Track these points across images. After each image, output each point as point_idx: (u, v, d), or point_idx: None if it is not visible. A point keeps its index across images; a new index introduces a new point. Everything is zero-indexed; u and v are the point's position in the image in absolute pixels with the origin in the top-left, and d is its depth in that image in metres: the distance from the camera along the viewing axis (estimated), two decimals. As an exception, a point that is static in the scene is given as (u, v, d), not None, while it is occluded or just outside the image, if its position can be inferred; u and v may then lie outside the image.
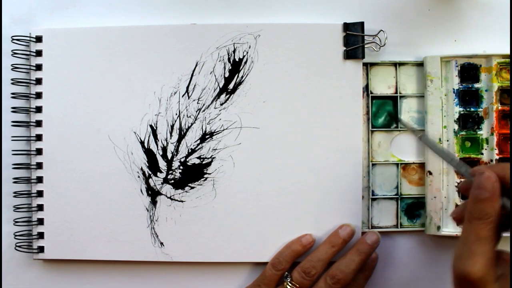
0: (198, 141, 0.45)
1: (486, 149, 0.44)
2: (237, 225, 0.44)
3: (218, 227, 0.44)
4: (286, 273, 0.42)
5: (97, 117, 0.45)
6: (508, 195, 0.31)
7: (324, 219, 0.44)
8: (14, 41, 0.45)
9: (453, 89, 0.44)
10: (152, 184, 0.45)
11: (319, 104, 0.44)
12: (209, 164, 0.44)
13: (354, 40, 0.44)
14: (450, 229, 0.44)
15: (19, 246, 0.45)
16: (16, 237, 0.45)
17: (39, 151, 0.45)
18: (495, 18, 0.45)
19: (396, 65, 0.45)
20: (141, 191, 0.45)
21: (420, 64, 0.45)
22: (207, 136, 0.45)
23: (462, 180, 0.43)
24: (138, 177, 0.45)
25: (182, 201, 0.44)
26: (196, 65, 0.44)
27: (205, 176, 0.44)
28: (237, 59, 0.44)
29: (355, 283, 0.42)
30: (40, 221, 0.45)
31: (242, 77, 0.44)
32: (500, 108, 0.44)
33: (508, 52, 0.44)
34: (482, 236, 0.30)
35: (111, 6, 0.46)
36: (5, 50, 0.46)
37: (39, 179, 0.45)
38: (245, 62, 0.44)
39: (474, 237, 0.31)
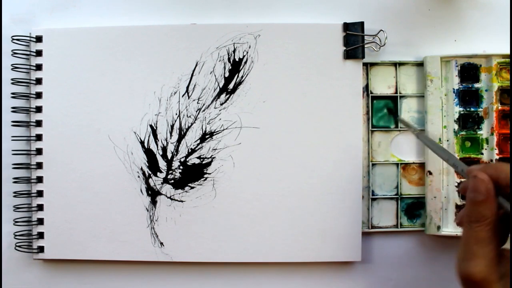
0: (198, 141, 0.45)
1: (486, 149, 0.44)
2: (237, 225, 0.44)
3: (218, 227, 0.44)
4: None
5: (97, 117, 0.45)
6: (503, 194, 0.31)
7: (324, 219, 0.44)
8: (14, 41, 0.45)
9: (453, 89, 0.44)
10: (152, 184, 0.45)
11: (319, 104, 0.44)
12: (209, 164, 0.44)
13: (354, 40, 0.44)
14: (450, 229, 0.44)
15: (19, 246, 0.45)
16: (16, 237, 0.45)
17: (39, 151, 0.45)
18: (495, 18, 0.45)
19: (396, 65, 0.45)
20: (141, 191, 0.45)
21: (420, 64, 0.45)
22: (207, 136, 0.45)
23: (463, 180, 0.43)
24: (138, 177, 0.45)
25: (182, 201, 0.44)
26: (196, 65, 0.44)
27: (205, 176, 0.44)
28: (237, 59, 0.44)
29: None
30: (40, 221, 0.45)
31: (242, 77, 0.44)
32: (500, 108, 0.44)
33: (508, 52, 0.44)
34: (481, 237, 0.31)
35: (111, 6, 0.46)
36: (5, 50, 0.46)
37: (39, 179, 0.45)
38: (245, 62, 0.44)
39: (474, 240, 0.31)
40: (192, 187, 0.44)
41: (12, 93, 0.45)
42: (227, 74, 0.44)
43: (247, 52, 0.44)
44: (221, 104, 0.44)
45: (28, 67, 0.45)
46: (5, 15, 0.46)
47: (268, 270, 0.45)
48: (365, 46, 0.44)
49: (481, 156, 0.44)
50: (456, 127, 0.44)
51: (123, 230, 0.44)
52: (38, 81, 0.45)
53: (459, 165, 0.35)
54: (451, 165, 0.37)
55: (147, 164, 0.45)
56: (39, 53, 0.45)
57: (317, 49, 0.44)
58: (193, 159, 0.45)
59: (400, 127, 0.45)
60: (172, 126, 0.45)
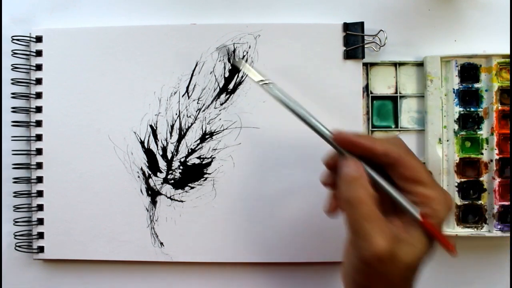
0: (198, 141, 0.45)
1: (486, 149, 0.44)
2: (237, 225, 0.44)
3: (218, 227, 0.44)
4: None
5: (97, 117, 0.45)
6: (375, 165, 0.32)
7: (324, 218, 0.44)
8: (14, 41, 0.45)
9: (453, 89, 0.44)
10: (152, 184, 0.45)
11: (319, 104, 0.44)
12: (209, 164, 0.44)
13: (354, 40, 0.44)
14: (450, 229, 0.44)
15: (19, 246, 0.45)
16: (16, 237, 0.45)
17: (39, 151, 0.45)
18: (495, 18, 0.45)
19: (396, 65, 0.45)
20: (141, 191, 0.45)
21: (420, 64, 0.45)
22: (207, 136, 0.45)
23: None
24: (138, 177, 0.45)
25: (182, 201, 0.44)
26: (196, 65, 0.44)
27: (205, 176, 0.44)
28: (237, 59, 0.44)
29: None
30: (40, 221, 0.45)
31: (242, 77, 0.44)
32: (500, 108, 0.44)
33: (508, 52, 0.44)
34: (370, 214, 0.30)
35: (111, 6, 0.46)
36: (5, 50, 0.46)
37: (39, 179, 0.45)
38: (245, 62, 0.44)
39: (363, 219, 0.30)
40: (192, 187, 0.44)
41: (12, 93, 0.45)
42: (227, 74, 0.44)
43: (247, 52, 0.44)
44: (221, 104, 0.44)
45: (28, 67, 0.45)
46: (5, 15, 0.46)
47: (268, 270, 0.45)
48: (365, 46, 0.44)
49: (481, 156, 0.44)
50: (456, 127, 0.44)
51: (123, 230, 0.44)
52: (38, 81, 0.45)
53: (324, 130, 0.34)
54: (314, 130, 0.34)
55: (147, 164, 0.45)
56: (39, 53, 0.45)
57: (317, 49, 0.44)
58: (193, 159, 0.45)
59: (401, 127, 0.45)
60: (172, 126, 0.45)
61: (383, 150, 0.32)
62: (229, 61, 0.43)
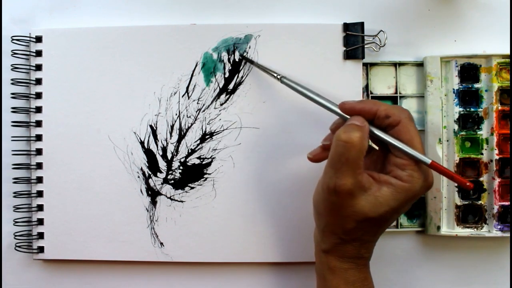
0: (198, 141, 0.45)
1: (486, 149, 0.44)
2: (237, 225, 0.44)
3: (218, 227, 0.44)
4: None
5: (97, 117, 0.45)
6: (378, 126, 0.36)
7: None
8: (14, 41, 0.45)
9: (453, 89, 0.44)
10: (152, 184, 0.45)
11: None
12: (209, 164, 0.44)
13: (354, 40, 0.44)
14: (450, 229, 0.44)
15: (19, 246, 0.45)
16: (16, 237, 0.45)
17: (39, 151, 0.45)
18: (495, 18, 0.45)
19: (396, 65, 0.45)
20: (141, 191, 0.45)
21: (420, 64, 0.45)
22: (207, 136, 0.45)
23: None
24: (138, 177, 0.45)
25: (182, 201, 0.44)
26: (196, 65, 0.44)
27: (205, 176, 0.44)
28: (237, 59, 0.44)
29: None
30: (40, 221, 0.45)
31: (242, 77, 0.44)
32: (500, 108, 0.44)
33: (508, 52, 0.44)
34: (350, 159, 0.33)
35: (111, 6, 0.46)
36: (5, 50, 0.46)
37: (39, 179, 0.45)
38: (245, 63, 0.44)
39: (345, 159, 0.33)
40: (192, 187, 0.44)
41: (12, 94, 0.45)
42: (227, 75, 0.44)
43: (247, 53, 0.44)
44: (221, 105, 0.44)
45: (28, 67, 0.45)
46: (5, 15, 0.46)
47: (268, 270, 0.45)
48: (365, 46, 0.44)
49: (481, 156, 0.44)
50: (456, 127, 0.44)
51: (123, 230, 0.44)
52: (38, 81, 0.45)
53: (331, 105, 0.38)
54: (322, 106, 0.38)
55: (147, 165, 0.45)
56: (39, 53, 0.45)
57: (317, 49, 0.44)
58: (193, 160, 0.45)
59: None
60: (172, 127, 0.45)
61: (386, 112, 0.35)
62: (247, 61, 0.45)
